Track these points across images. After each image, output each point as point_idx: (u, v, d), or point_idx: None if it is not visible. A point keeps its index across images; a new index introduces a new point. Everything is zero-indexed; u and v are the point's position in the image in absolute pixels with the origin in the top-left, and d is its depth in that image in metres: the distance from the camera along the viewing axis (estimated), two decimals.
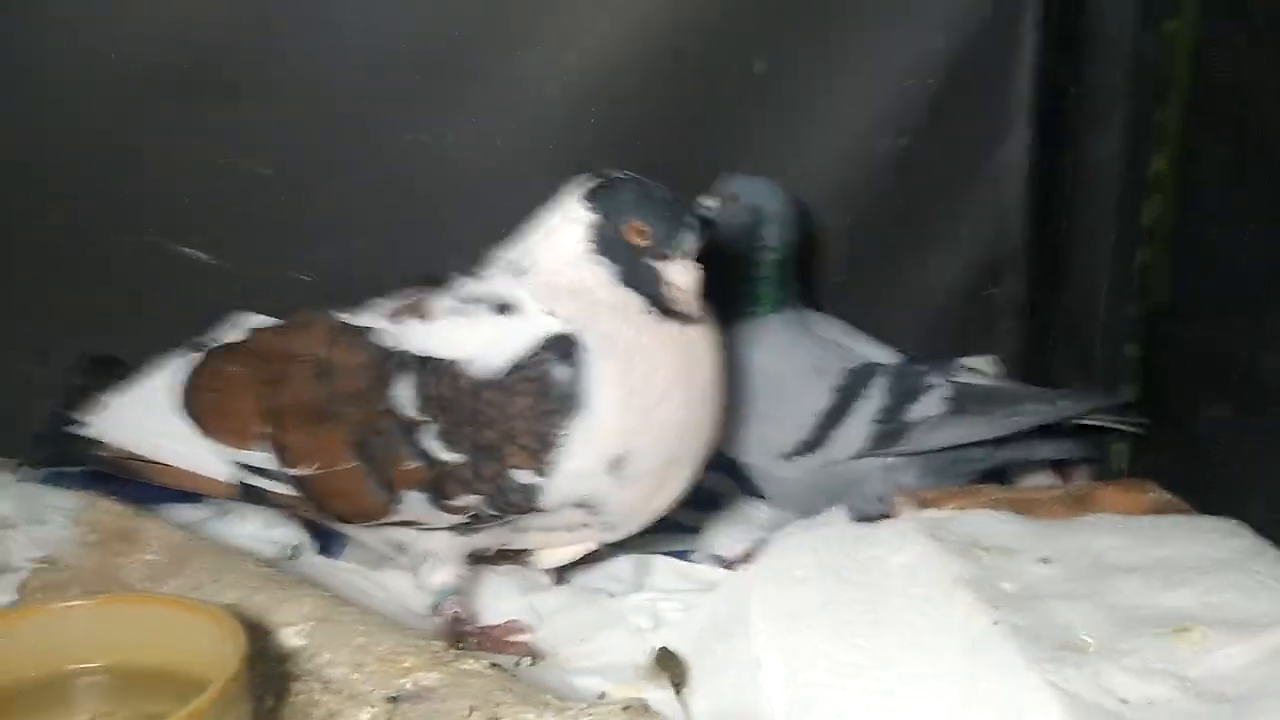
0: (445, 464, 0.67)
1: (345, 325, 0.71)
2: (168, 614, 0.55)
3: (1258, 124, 0.67)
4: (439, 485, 0.67)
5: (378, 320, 0.70)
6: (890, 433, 0.81)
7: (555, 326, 0.67)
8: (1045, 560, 0.61)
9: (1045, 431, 0.83)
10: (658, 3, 0.93)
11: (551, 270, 0.69)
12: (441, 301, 0.70)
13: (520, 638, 0.72)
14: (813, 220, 0.97)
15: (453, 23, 0.93)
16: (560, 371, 0.65)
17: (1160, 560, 0.60)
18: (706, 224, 0.69)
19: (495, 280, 0.70)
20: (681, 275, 0.67)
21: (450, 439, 0.67)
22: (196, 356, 0.74)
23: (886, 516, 0.74)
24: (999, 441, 0.81)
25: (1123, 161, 0.83)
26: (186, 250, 0.99)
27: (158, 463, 0.73)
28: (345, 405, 0.68)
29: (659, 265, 0.67)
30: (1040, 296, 1.01)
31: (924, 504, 0.72)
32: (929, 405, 0.81)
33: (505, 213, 0.95)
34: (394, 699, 0.52)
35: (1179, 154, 0.77)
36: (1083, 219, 0.94)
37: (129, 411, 0.74)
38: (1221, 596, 0.55)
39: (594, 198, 0.69)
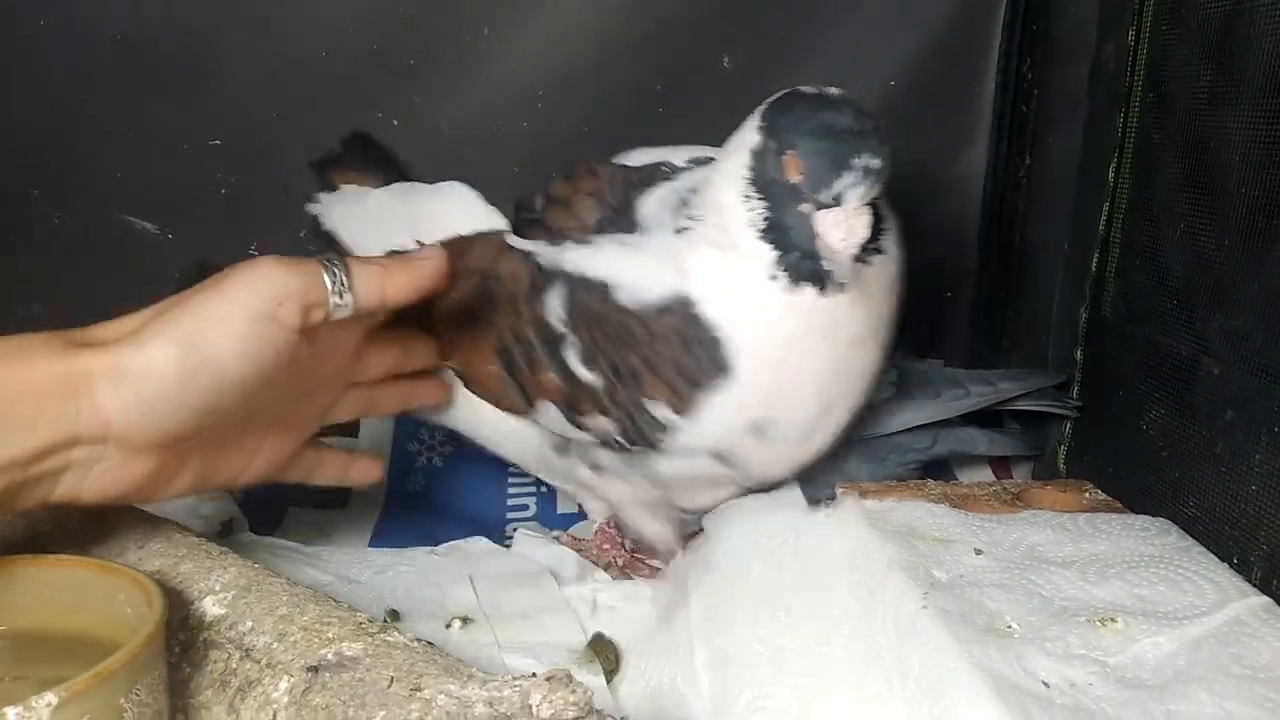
0: (581, 381, 0.65)
1: (511, 244, 0.71)
2: (84, 576, 0.54)
3: (1204, 135, 0.68)
4: (573, 402, 0.66)
5: (532, 242, 0.70)
6: None
7: (689, 287, 0.61)
8: (979, 551, 0.61)
9: (984, 425, 0.84)
10: None
11: (710, 209, 0.62)
12: (603, 237, 0.66)
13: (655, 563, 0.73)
14: None
15: (409, 4, 0.93)
16: (707, 317, 0.60)
17: (1091, 555, 0.60)
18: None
19: (664, 222, 0.65)
20: (834, 230, 0.55)
21: (590, 357, 0.64)
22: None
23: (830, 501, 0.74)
24: (940, 428, 0.81)
25: (1080, 167, 0.84)
26: (133, 220, 0.98)
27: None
28: (497, 311, 0.69)
29: (812, 213, 0.56)
30: (995, 302, 1.02)
31: (865, 495, 0.72)
32: (878, 389, 0.82)
33: None
34: (314, 668, 0.50)
35: (1133, 161, 0.78)
36: (1039, 224, 0.95)
37: (348, 211, 0.81)
38: (1148, 590, 0.55)
39: (768, 115, 0.59)
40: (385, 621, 0.65)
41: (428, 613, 0.70)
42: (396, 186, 0.81)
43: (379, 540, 0.85)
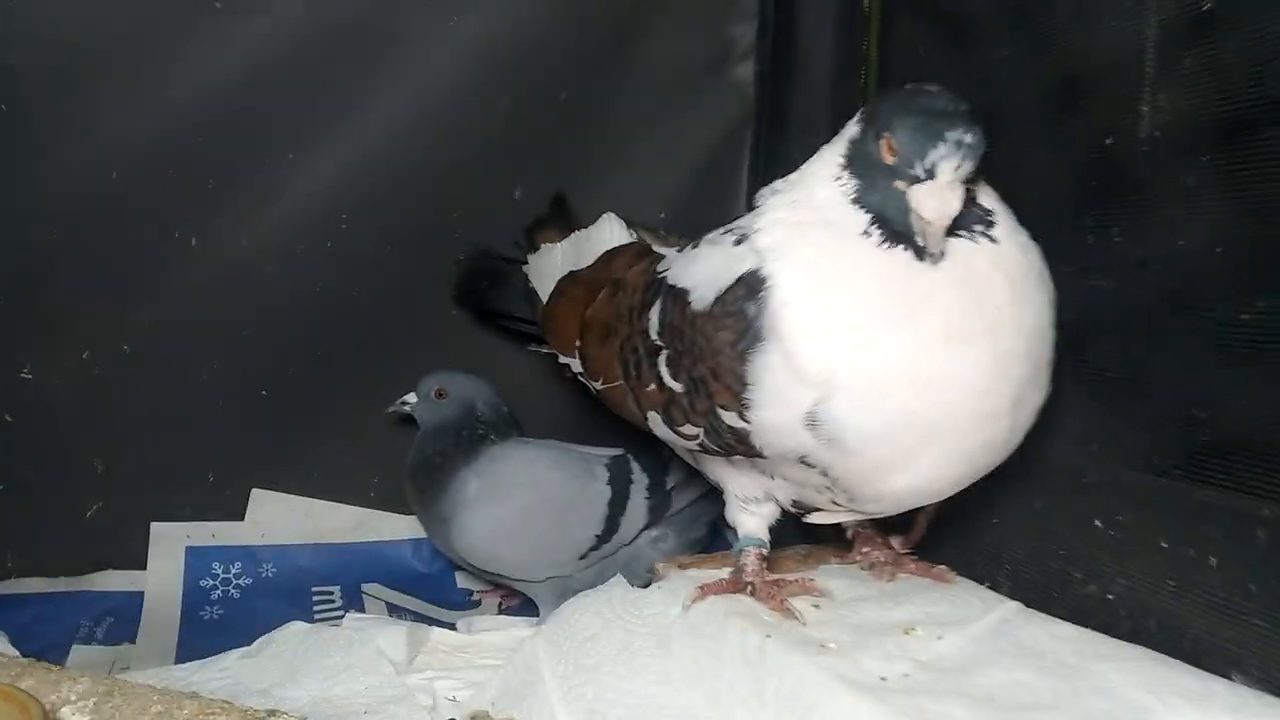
0: (672, 391, 0.68)
1: (648, 249, 0.82)
2: None
3: None
4: (668, 410, 0.69)
5: (672, 249, 0.77)
6: (659, 503, 0.93)
7: (750, 261, 0.62)
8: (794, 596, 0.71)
9: None
10: (409, 121, 1.00)
11: (801, 190, 0.65)
12: (714, 232, 0.69)
13: (800, 601, 0.69)
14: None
15: (212, 128, 0.95)
16: (750, 308, 0.61)
17: (882, 590, 0.72)
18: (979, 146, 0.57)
19: (765, 202, 0.67)
20: (924, 203, 0.57)
21: (675, 367, 0.68)
22: (564, 272, 0.90)
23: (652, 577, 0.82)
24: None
25: None
26: None
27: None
28: (620, 324, 0.75)
29: (904, 188, 0.58)
30: None
31: (683, 567, 0.80)
32: (675, 474, 0.94)
33: (248, 309, 0.98)
34: None
35: None
36: None
37: (542, 267, 0.94)
38: (935, 608, 0.67)
39: (868, 107, 0.63)
40: None
41: None
42: (573, 236, 0.93)
43: (186, 655, 0.81)
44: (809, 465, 0.63)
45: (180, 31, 0.92)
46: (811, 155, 1.01)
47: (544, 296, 0.92)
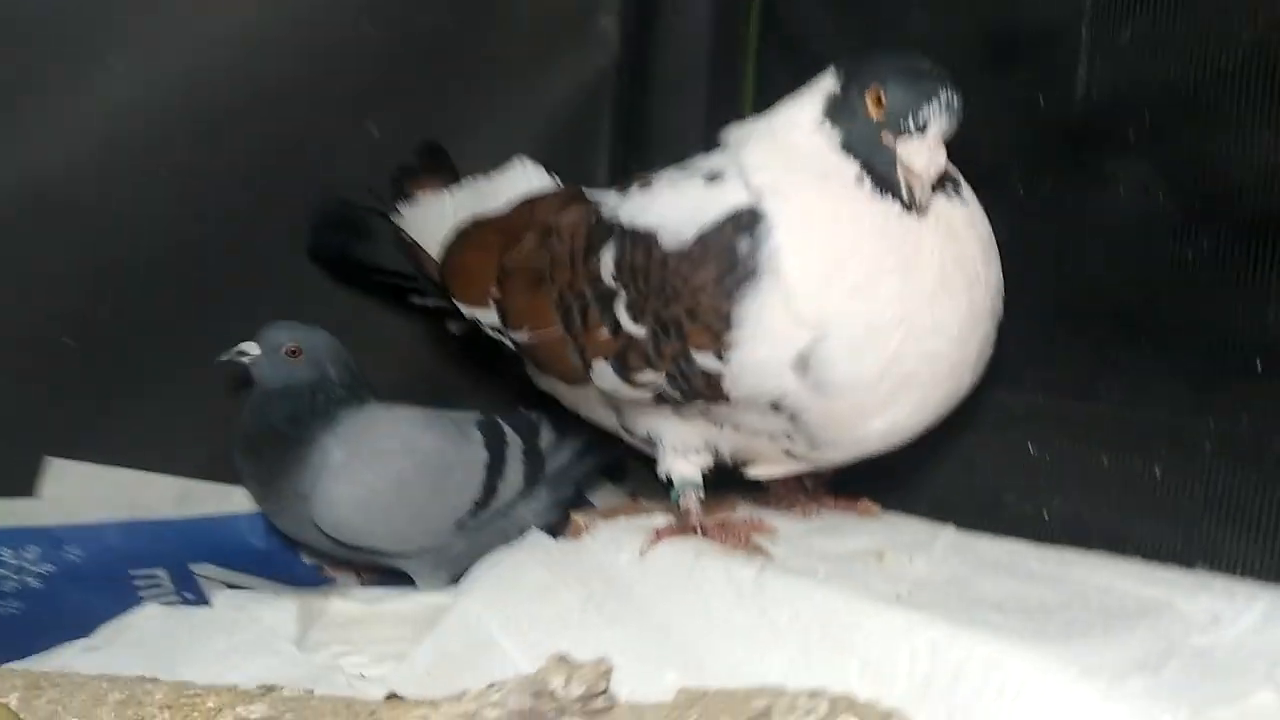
0: (631, 336, 0.65)
1: (579, 193, 0.76)
2: None
3: None
4: (624, 357, 0.66)
5: (608, 191, 0.72)
6: (535, 466, 0.89)
7: (744, 198, 0.62)
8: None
9: None
10: (256, 34, 0.89)
11: (780, 136, 0.64)
12: (667, 171, 0.68)
13: (760, 538, 0.67)
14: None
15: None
16: (742, 244, 0.60)
17: (814, 526, 0.73)
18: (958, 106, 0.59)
19: (728, 149, 0.66)
20: (914, 156, 0.58)
21: (637, 310, 0.65)
22: (465, 219, 0.82)
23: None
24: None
25: None
26: None
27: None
28: (557, 270, 0.70)
29: (892, 142, 0.59)
30: None
31: (606, 516, 0.77)
32: (545, 435, 0.91)
33: (53, 240, 0.82)
34: None
35: None
36: None
37: (426, 217, 0.87)
38: (884, 536, 0.69)
39: (844, 64, 0.63)
40: None
41: None
42: (467, 182, 0.88)
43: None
44: (778, 410, 0.64)
45: None
46: (680, 113, 1.05)
47: (431, 248, 0.85)
